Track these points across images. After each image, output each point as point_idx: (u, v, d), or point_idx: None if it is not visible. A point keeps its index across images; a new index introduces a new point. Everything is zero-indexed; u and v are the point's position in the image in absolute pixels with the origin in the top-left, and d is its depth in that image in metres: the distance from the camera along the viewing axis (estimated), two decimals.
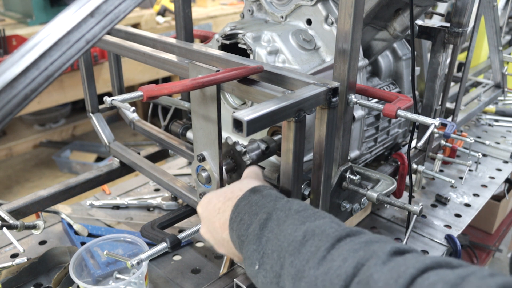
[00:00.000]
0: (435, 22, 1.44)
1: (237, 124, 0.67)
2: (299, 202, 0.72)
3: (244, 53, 1.07)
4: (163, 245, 0.88)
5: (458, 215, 1.40)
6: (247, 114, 0.67)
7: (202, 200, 0.84)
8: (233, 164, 0.96)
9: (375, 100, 1.12)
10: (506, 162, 1.72)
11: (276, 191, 0.79)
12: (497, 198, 2.26)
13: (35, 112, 3.71)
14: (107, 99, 0.69)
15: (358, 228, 0.65)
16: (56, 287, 1.06)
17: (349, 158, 1.01)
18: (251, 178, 0.86)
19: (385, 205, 1.21)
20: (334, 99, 0.80)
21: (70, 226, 1.27)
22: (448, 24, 1.24)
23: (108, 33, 1.11)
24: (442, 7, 2.28)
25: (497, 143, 1.84)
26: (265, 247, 0.67)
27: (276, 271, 0.64)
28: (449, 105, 1.58)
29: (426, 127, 1.29)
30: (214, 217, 0.79)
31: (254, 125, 0.67)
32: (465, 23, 1.22)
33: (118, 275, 1.07)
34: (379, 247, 0.58)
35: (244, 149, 0.95)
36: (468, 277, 0.49)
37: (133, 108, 0.69)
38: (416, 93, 1.35)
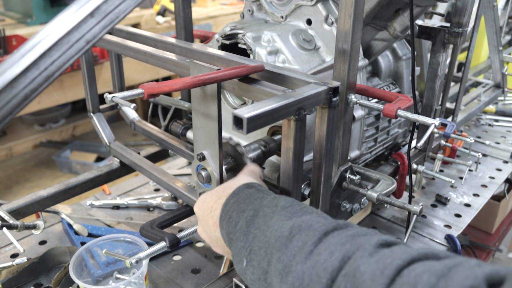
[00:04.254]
0: (435, 22, 1.45)
1: (237, 121, 0.67)
2: (286, 198, 0.72)
3: (244, 53, 1.07)
4: (162, 244, 0.88)
5: (458, 215, 1.40)
6: (247, 111, 0.67)
7: (198, 199, 0.85)
8: (233, 164, 0.96)
9: (375, 100, 1.12)
10: (506, 162, 1.72)
11: (266, 188, 0.79)
12: (497, 198, 2.26)
13: (35, 112, 3.70)
14: (108, 96, 0.69)
15: (345, 222, 0.65)
16: (56, 287, 1.06)
17: (349, 158, 1.01)
18: (245, 175, 0.86)
19: (385, 205, 1.21)
20: (334, 99, 0.80)
21: (70, 226, 1.27)
22: (448, 24, 1.24)
23: (110, 33, 1.12)
24: (442, 7, 2.28)
25: (497, 143, 1.84)
26: (252, 243, 0.67)
27: (264, 267, 0.64)
28: (449, 105, 1.58)
29: (426, 127, 1.29)
30: (207, 215, 0.80)
31: (254, 122, 0.67)
32: (465, 23, 1.22)
33: (118, 275, 1.07)
34: (365, 239, 0.58)
35: (244, 148, 0.95)
36: (455, 267, 0.49)
37: (134, 104, 0.69)
38: (416, 93, 1.35)
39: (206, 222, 0.81)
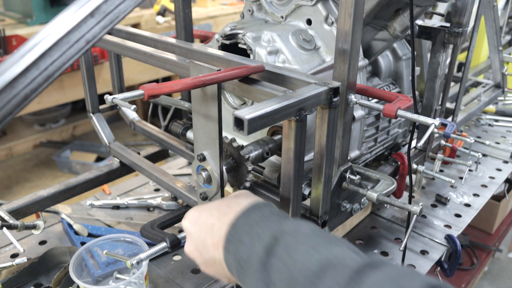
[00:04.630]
0: (435, 22, 1.44)
1: (238, 123, 0.67)
2: (307, 224, 0.65)
3: (244, 53, 1.07)
4: (163, 244, 0.88)
5: (458, 215, 1.40)
6: (248, 113, 0.67)
7: (190, 214, 0.76)
8: (233, 164, 0.96)
9: (375, 100, 1.12)
10: (506, 162, 1.72)
11: (277, 208, 0.72)
12: (497, 198, 2.26)
13: (35, 112, 3.70)
14: (108, 97, 0.69)
15: (379, 257, 0.59)
16: (56, 287, 1.06)
17: (349, 158, 1.01)
18: (245, 192, 0.80)
19: (385, 205, 1.21)
20: (335, 99, 0.80)
21: (70, 226, 1.27)
22: (448, 24, 1.24)
23: (109, 33, 1.12)
24: (442, 7, 2.28)
25: (497, 143, 1.84)
26: (272, 277, 0.59)
27: None
28: (449, 105, 1.58)
29: (426, 127, 1.29)
30: (206, 233, 0.71)
31: (255, 123, 0.67)
32: (465, 23, 1.22)
33: (118, 275, 1.07)
34: (408, 283, 0.52)
35: (245, 149, 0.95)
36: None
37: (134, 106, 0.69)
38: (416, 93, 1.35)
39: (203, 241, 0.72)
